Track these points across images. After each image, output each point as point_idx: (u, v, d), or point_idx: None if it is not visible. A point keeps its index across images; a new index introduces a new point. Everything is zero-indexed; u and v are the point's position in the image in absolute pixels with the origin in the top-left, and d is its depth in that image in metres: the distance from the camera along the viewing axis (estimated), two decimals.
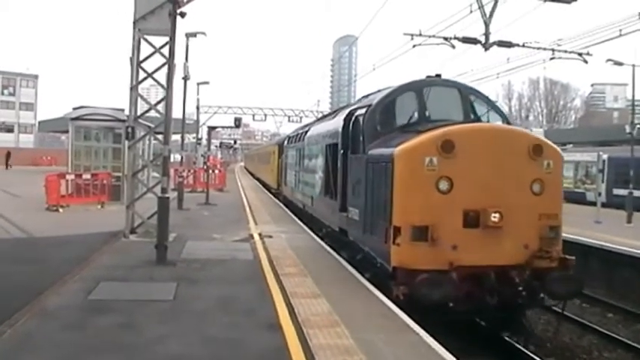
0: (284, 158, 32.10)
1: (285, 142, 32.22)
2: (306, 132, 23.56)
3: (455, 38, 22.70)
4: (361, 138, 13.82)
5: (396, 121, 13.73)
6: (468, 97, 14.08)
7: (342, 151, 15.50)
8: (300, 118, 77.21)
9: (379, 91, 15.66)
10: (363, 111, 14.26)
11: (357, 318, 9.24)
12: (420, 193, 11.17)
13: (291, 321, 9.01)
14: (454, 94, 14.05)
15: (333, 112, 21.47)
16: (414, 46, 23.66)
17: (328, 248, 16.66)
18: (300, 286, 11.50)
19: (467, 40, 22.06)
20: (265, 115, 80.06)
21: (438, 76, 14.73)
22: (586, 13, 61.05)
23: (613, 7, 63.84)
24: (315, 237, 18.96)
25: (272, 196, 36.78)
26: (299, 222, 22.85)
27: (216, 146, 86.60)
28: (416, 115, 13.60)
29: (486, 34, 21.32)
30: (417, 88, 13.98)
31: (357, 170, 13.87)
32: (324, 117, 24.18)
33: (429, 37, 23.61)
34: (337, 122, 16.82)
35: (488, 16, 22.01)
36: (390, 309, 9.94)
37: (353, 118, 14.88)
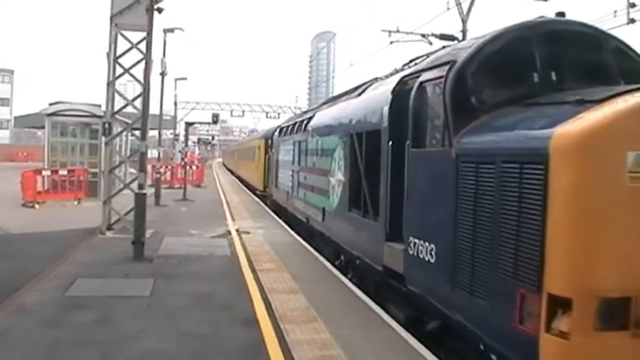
0: (274, 154, 26.56)
1: (276, 134, 26.60)
2: (310, 119, 17.98)
3: (432, 35, 22.83)
4: (440, 119, 7.95)
5: (505, 89, 7.72)
6: (615, 49, 8.21)
7: (389, 143, 9.54)
8: (278, 114, 77.21)
9: (441, 49, 9.89)
10: (436, 74, 8.29)
11: (334, 313, 9.15)
12: (619, 228, 5.47)
13: (268, 316, 8.93)
14: (594, 42, 8.11)
15: (356, 88, 14.71)
16: (391, 42, 23.76)
17: (306, 244, 15.99)
18: (278, 281, 11.30)
19: (444, 37, 22.19)
20: (243, 111, 79.91)
21: (561, 15, 8.60)
22: (563, 9, 61.37)
23: (588, 5, 64.48)
24: (293, 233, 18.15)
25: (256, 198, 31.73)
26: (277, 218, 22.07)
27: (193, 142, 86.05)
28: (535, 77, 7.67)
29: (464, 31, 21.48)
30: (535, 32, 7.96)
31: (431, 175, 8.14)
32: (336, 98, 17.72)
33: (407, 33, 23.75)
34: (375, 99, 10.94)
35: (465, 13, 22.19)
36: (367, 304, 9.82)
37: (414, 89, 8.81)
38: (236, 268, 12.60)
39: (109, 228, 17.16)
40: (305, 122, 18.57)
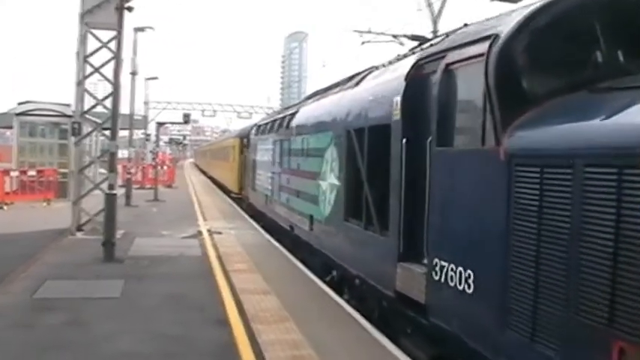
0: (250, 154, 24.69)
1: (253, 133, 24.62)
2: (293, 115, 16.17)
3: (404, 36, 22.95)
4: (479, 109, 6.18)
5: (564, 70, 5.99)
6: None
7: (403, 141, 7.76)
8: (251, 114, 76.89)
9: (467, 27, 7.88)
10: (472, 52, 6.50)
11: (306, 314, 9.03)
12: None
13: (239, 317, 8.79)
14: None
15: (350, 78, 12.67)
16: (362, 43, 23.83)
17: (278, 245, 15.73)
18: (250, 282, 11.10)
19: (415, 38, 22.29)
20: (215, 111, 79.40)
21: None
22: None
23: None
24: (265, 233, 17.89)
25: (230, 200, 30.12)
26: (249, 219, 21.76)
27: (165, 142, 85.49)
28: (599, 56, 5.97)
29: (434, 32, 21.64)
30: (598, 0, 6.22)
31: (466, 182, 6.36)
32: (323, 91, 15.37)
33: (378, 34, 23.84)
34: (382, 88, 9.09)
35: (436, 14, 22.38)
36: (340, 305, 9.70)
37: (439, 73, 7.04)
38: (208, 269, 12.44)
39: (79, 229, 16.81)
40: (287, 119, 16.75)
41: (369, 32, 24.28)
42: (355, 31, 24.03)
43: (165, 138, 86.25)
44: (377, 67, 11.15)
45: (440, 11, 22.45)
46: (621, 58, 5.96)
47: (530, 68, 5.98)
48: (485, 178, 5.96)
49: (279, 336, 8.01)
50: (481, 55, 6.21)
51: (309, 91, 22.88)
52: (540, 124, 5.47)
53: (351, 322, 8.82)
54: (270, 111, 60.92)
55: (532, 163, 5.29)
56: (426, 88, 7.59)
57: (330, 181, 11.37)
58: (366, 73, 11.46)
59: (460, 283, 6.25)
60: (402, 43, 23.22)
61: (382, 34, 24.00)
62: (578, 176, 4.73)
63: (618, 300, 4.31)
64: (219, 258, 13.71)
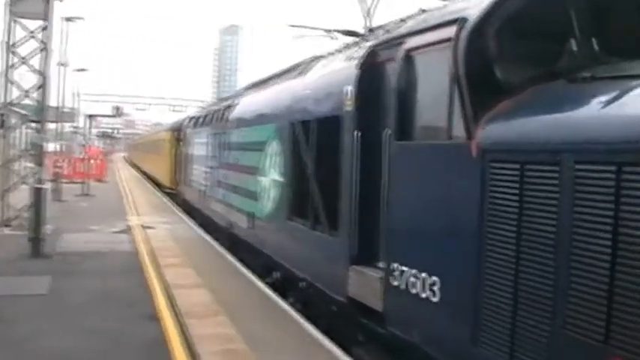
0: (185, 148, 23.32)
1: (188, 125, 23.29)
2: (230, 107, 15.13)
3: (336, 30, 22.49)
4: (446, 99, 5.49)
5: (537, 58, 5.37)
6: None
7: (356, 133, 7.04)
8: (185, 107, 75.06)
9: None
10: (437, 37, 5.81)
11: (238, 308, 8.80)
12: None
13: (171, 312, 8.54)
14: None
15: (293, 68, 11.69)
16: (294, 37, 23.31)
17: (211, 240, 15.21)
18: (181, 277, 10.81)
19: (348, 33, 21.80)
20: (148, 104, 77.33)
21: None
22: None
23: None
24: (198, 228, 17.35)
25: (162, 195, 28.84)
26: (181, 213, 21.15)
27: (96, 135, 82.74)
28: (574, 44, 5.34)
29: (368, 27, 21.24)
30: None
31: (431, 179, 5.69)
32: (263, 82, 14.19)
33: (311, 28, 23.35)
34: (331, 77, 8.34)
35: (369, 9, 21.99)
36: (272, 299, 9.42)
37: (399, 60, 6.27)
38: (138, 264, 12.06)
39: (6, 224, 16.07)
40: (224, 111, 15.70)
41: (303, 27, 23.76)
42: (289, 25, 23.46)
43: (96, 131, 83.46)
44: (321, 57, 10.40)
45: (374, 6, 22.08)
46: (596, 46, 5.39)
47: (503, 55, 5.34)
48: (454, 176, 5.30)
49: (211, 330, 7.77)
50: (447, 40, 5.52)
51: (243, 84, 21.85)
52: (518, 116, 4.85)
53: (285, 317, 8.56)
54: (204, 104, 59.57)
55: (510, 159, 4.66)
56: (382, 77, 6.91)
57: (272, 177, 10.48)
58: (310, 62, 10.64)
59: (424, 291, 5.58)
60: (335, 38, 22.79)
61: (315, 28, 23.52)
62: (568, 174, 4.13)
63: (616, 312, 3.74)
64: (151, 253, 13.29)
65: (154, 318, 8.27)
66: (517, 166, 4.57)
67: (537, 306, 4.32)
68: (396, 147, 6.21)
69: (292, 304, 9.25)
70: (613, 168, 3.83)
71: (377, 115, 6.88)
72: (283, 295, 9.77)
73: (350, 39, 13.45)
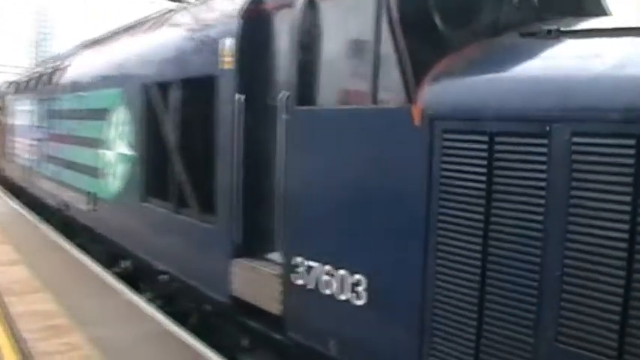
0: (4, 117, 19.60)
1: (7, 92, 19.67)
2: (59, 69, 12.62)
3: None
4: (369, 54, 4.19)
5: (479, 11, 4.32)
6: None
7: (238, 98, 5.50)
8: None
9: None
10: None
11: (62, 284, 8.09)
12: None
13: None
14: None
15: (143, 23, 9.56)
16: None
17: (29, 215, 13.48)
18: None
19: None
20: None
21: None
22: None
23: None
24: (14, 203, 15.42)
25: None
26: None
27: None
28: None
29: None
30: None
31: (351, 154, 4.33)
32: (105, 39, 11.47)
33: None
34: (200, 30, 6.54)
35: None
36: (98, 274, 8.62)
37: (300, 6, 4.83)
38: None
39: None
40: (53, 73, 12.99)
41: None
42: None
43: None
44: (180, 9, 8.48)
45: None
46: (536, 1, 4.53)
47: (441, 2, 4.18)
48: (387, 150, 4.05)
49: (31, 307, 7.21)
50: None
51: (61, 49, 18.27)
52: (476, 75, 3.69)
53: (110, 290, 7.93)
54: (20, 70, 52.65)
55: (474, 129, 3.50)
56: (273, 28, 5.47)
57: (120, 151, 8.52)
58: (166, 14, 8.70)
59: (343, 292, 4.33)
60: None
61: None
62: (561, 149, 3.11)
63: (632, 321, 2.87)
64: None
65: None
66: (484, 138, 3.44)
67: (516, 312, 3.31)
68: (299, 113, 4.80)
69: (151, 301, 7.55)
70: (632, 142, 2.86)
71: (266, 75, 5.45)
72: (136, 288, 8.01)
73: None
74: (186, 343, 6.09)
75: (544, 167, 3.18)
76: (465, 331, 3.54)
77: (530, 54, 3.64)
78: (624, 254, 2.88)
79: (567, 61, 3.39)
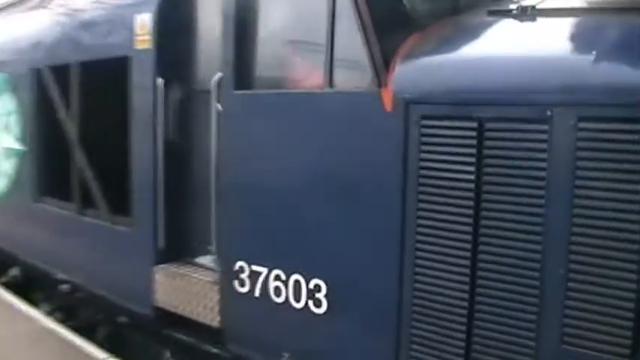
0: None
1: None
2: None
3: None
4: (328, 32, 3.57)
5: None
6: None
7: (157, 81, 4.73)
8: None
9: None
10: None
11: None
12: None
13: None
14: None
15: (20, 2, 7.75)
16: None
17: None
18: None
19: None
20: None
21: None
22: None
23: None
24: None
25: None
26: None
27: None
28: None
29: None
30: None
31: (305, 145, 3.75)
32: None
33: None
34: (105, 5, 5.56)
35: None
36: None
37: None
38: None
39: None
40: None
41: None
42: None
43: None
44: None
45: None
46: None
47: None
48: (349, 138, 3.53)
49: None
50: None
51: None
52: (457, 54, 3.29)
53: None
54: None
55: (459, 114, 3.08)
56: (199, 1, 4.76)
57: (5, 145, 7.36)
58: None
59: (298, 299, 3.80)
60: None
61: None
62: (564, 136, 2.77)
63: None
64: None
65: None
66: (472, 124, 3.02)
67: (513, 315, 2.97)
68: (237, 98, 4.15)
69: (50, 313, 6.58)
70: None
71: (192, 55, 4.77)
72: (27, 299, 6.96)
73: None
74: (66, 340, 5.54)
75: (544, 156, 2.83)
76: (451, 337, 3.15)
77: (514, 34, 3.26)
78: (638, 247, 2.61)
79: (555, 41, 3.05)
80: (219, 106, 4.27)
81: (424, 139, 3.18)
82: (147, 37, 4.87)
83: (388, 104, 3.30)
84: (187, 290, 4.60)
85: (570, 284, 2.78)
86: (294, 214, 3.84)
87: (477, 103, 3.02)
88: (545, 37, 3.11)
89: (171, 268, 4.79)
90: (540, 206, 2.85)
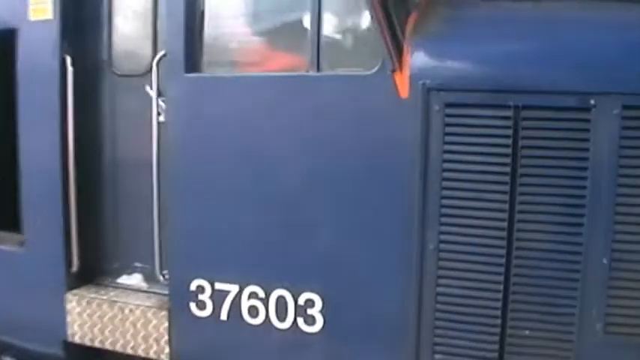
0: None
1: None
2: None
3: None
4: (316, 11, 3.04)
5: None
6: None
7: (67, 60, 3.76)
8: None
9: None
10: None
11: None
12: None
13: None
14: None
15: None
16: None
17: None
18: None
19: None
20: None
21: None
22: None
23: None
24: None
25: None
26: None
27: None
28: None
29: None
30: None
31: (284, 139, 3.22)
32: None
33: None
34: None
35: None
36: None
37: None
38: None
39: None
40: None
41: None
42: None
43: None
44: None
45: None
46: None
47: None
48: (354, 130, 3.05)
49: None
50: None
51: None
52: (482, 37, 2.96)
53: None
54: None
55: (492, 102, 2.78)
56: None
57: None
58: None
59: (283, 318, 3.22)
60: None
61: None
62: (608, 124, 2.64)
63: None
64: None
65: None
66: (507, 113, 2.75)
67: (551, 310, 2.81)
68: (190, 82, 3.39)
69: None
70: None
71: (111, 29, 3.87)
72: None
73: None
74: None
75: (586, 145, 2.67)
76: (484, 341, 2.88)
77: (542, 20, 3.01)
78: None
79: (603, 28, 2.87)
80: (163, 92, 3.50)
81: (449, 129, 2.85)
82: (45, 6, 3.82)
83: (404, 90, 2.90)
84: (119, 319, 3.72)
85: (614, 273, 2.68)
86: (276, 218, 3.24)
87: (514, 91, 2.76)
88: (583, 23, 2.94)
89: (91, 294, 3.84)
90: (583, 197, 2.69)
